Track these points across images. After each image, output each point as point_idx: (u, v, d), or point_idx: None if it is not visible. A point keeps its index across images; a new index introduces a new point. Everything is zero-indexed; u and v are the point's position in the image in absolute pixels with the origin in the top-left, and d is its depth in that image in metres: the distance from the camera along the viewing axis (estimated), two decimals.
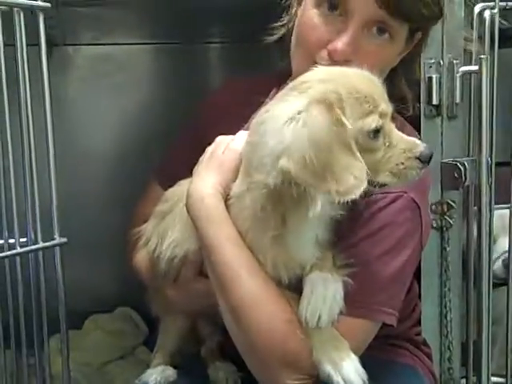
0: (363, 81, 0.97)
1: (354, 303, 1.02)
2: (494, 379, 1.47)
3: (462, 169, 1.33)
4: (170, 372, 1.24)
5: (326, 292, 1.00)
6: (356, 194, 0.90)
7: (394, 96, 1.04)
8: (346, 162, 0.90)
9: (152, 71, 2.13)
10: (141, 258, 1.25)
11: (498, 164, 1.40)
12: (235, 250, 1.01)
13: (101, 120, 2.02)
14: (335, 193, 0.89)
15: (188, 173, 1.13)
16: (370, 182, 0.94)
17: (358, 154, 0.91)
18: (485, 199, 1.35)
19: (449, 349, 1.38)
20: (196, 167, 1.10)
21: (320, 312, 0.98)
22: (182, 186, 1.14)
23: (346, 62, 1.04)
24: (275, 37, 1.22)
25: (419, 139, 1.03)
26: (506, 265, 1.52)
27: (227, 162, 1.05)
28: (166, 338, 1.29)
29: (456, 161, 1.35)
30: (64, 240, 1.28)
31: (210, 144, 1.12)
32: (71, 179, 1.85)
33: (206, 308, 1.14)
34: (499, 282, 1.49)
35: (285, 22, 1.21)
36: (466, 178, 1.34)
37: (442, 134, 1.37)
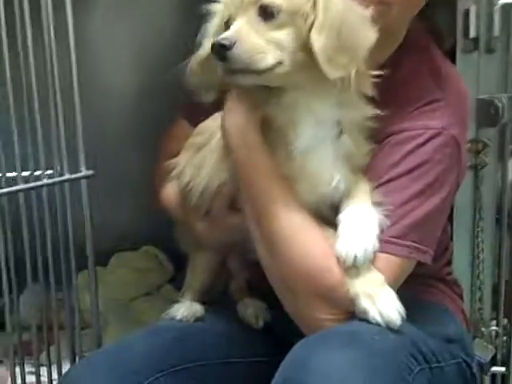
0: None
1: (390, 240, 1.00)
2: None
3: (499, 105, 1.29)
4: (198, 307, 1.24)
5: (363, 227, 0.98)
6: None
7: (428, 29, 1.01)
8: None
9: (173, 7, 2.07)
10: (171, 191, 1.23)
11: None
12: (273, 181, 1.00)
13: (125, 54, 1.98)
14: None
15: (215, 108, 1.10)
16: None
17: None
18: None
19: (480, 289, 1.37)
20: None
21: (356, 251, 0.96)
22: (216, 120, 1.12)
23: None
24: None
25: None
26: None
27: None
28: (195, 275, 1.29)
29: (493, 97, 1.31)
30: (90, 172, 1.28)
31: None
32: (97, 113, 1.81)
33: (236, 243, 1.13)
34: None
35: None
36: (502, 115, 1.29)
37: (478, 68, 1.33)
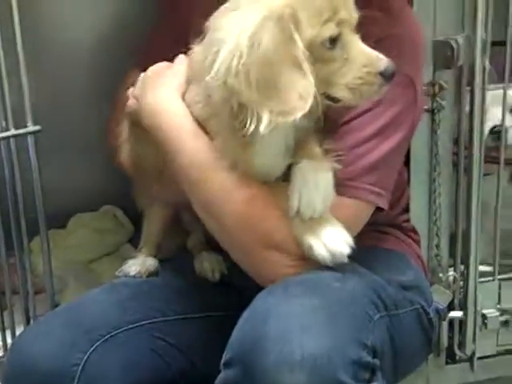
0: None
1: (344, 183, 0.99)
2: (481, 268, 1.47)
3: (455, 47, 1.27)
4: (151, 262, 1.22)
5: (318, 182, 0.96)
6: (297, 115, 0.87)
7: None
8: (293, 80, 0.86)
9: None
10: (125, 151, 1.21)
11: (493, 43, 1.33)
12: (198, 145, 0.99)
13: (75, 11, 1.90)
14: (277, 113, 0.86)
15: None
16: (326, 96, 0.91)
17: (309, 72, 0.87)
18: (479, 79, 1.29)
19: (437, 235, 1.37)
20: (138, 86, 1.08)
21: (314, 203, 0.94)
22: None
23: None
24: None
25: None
26: (493, 132, 1.47)
27: (178, 72, 1.03)
28: (150, 230, 1.27)
29: (449, 38, 1.28)
30: (37, 128, 1.23)
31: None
32: (46, 66, 1.75)
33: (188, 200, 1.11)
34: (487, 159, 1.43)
35: None
36: (459, 57, 1.27)
37: (434, 8, 1.29)
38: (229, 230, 1.00)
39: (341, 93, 0.92)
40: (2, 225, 1.27)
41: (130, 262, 1.23)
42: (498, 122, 1.44)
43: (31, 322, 1.33)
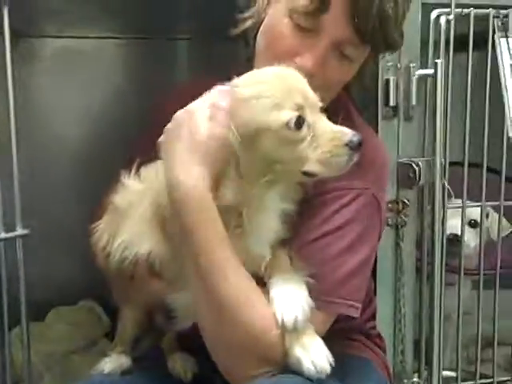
0: (280, 78, 1.02)
1: (319, 298, 1.04)
2: (445, 373, 1.53)
3: (417, 168, 1.38)
4: (124, 360, 1.26)
5: (295, 295, 1.02)
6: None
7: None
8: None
9: (118, 65, 2.13)
10: (98, 252, 1.26)
11: (453, 164, 1.45)
12: (224, 250, 1.01)
13: (66, 112, 2.01)
14: None
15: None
16: (303, 172, 1.00)
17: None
18: (438, 197, 1.40)
19: (402, 342, 1.43)
20: (165, 147, 1.05)
21: (296, 315, 1.00)
22: (137, 184, 1.14)
23: (310, 77, 1.06)
24: (240, 29, 1.21)
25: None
26: (449, 239, 1.55)
27: (213, 150, 1.01)
28: (124, 328, 1.30)
29: (411, 161, 1.40)
30: (26, 232, 1.29)
31: None
32: (36, 171, 1.84)
33: (160, 303, 1.15)
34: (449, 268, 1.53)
35: (251, 14, 1.20)
36: (419, 178, 1.39)
37: (398, 134, 1.43)
38: (230, 333, 1.01)
39: (314, 167, 1.00)
40: None
41: (105, 359, 1.27)
42: (454, 231, 1.54)
43: None
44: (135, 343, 1.32)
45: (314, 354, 0.99)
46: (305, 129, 1.00)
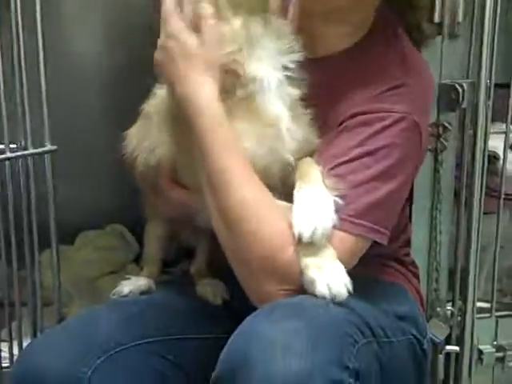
0: None
1: (346, 218, 1.02)
2: (478, 304, 1.50)
3: (460, 90, 1.32)
4: (143, 281, 1.26)
5: (319, 206, 0.99)
6: None
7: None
8: None
9: None
10: (128, 156, 1.23)
11: (496, 85, 1.38)
12: (233, 157, 1.00)
13: (97, 27, 1.96)
14: None
15: None
16: None
17: None
18: (481, 122, 1.34)
19: (436, 270, 1.40)
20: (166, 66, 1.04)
21: (315, 226, 0.97)
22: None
23: None
24: None
25: None
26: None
27: (214, 59, 1.01)
28: (150, 248, 1.30)
29: (454, 82, 1.33)
30: (54, 147, 1.28)
31: None
32: (64, 88, 1.80)
33: (186, 216, 1.14)
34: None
35: None
36: (463, 100, 1.32)
37: (441, 53, 1.35)
38: (242, 246, 1.00)
39: None
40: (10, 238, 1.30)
41: (123, 282, 1.27)
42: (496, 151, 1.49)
43: (38, 334, 1.36)
44: (163, 267, 1.32)
45: (329, 277, 0.96)
46: None
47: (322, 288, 0.96)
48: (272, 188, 1.03)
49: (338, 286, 0.96)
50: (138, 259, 1.95)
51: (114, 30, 1.94)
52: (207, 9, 1.00)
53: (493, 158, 1.48)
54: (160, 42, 1.04)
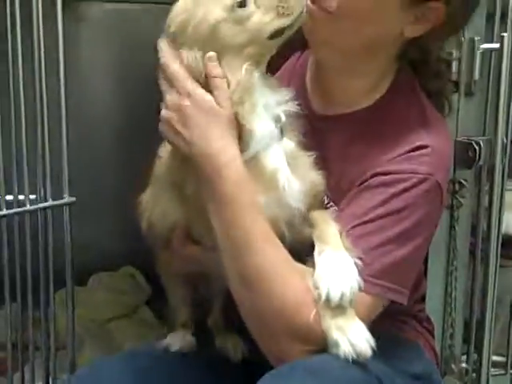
0: None
1: (367, 279, 1.01)
2: (493, 358, 1.49)
3: (477, 148, 1.32)
4: (190, 339, 1.24)
5: (344, 269, 0.99)
6: None
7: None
8: None
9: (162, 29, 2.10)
10: (144, 223, 1.24)
11: None
12: (255, 217, 1.00)
13: (114, 79, 2.00)
14: None
15: None
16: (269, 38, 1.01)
17: None
18: (497, 179, 1.35)
19: (451, 326, 1.39)
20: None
21: (343, 290, 0.96)
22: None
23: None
24: None
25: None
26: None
27: (232, 116, 1.01)
28: (179, 308, 1.29)
29: (471, 139, 1.34)
30: (73, 199, 1.30)
31: None
32: (82, 140, 1.83)
33: (200, 271, 1.15)
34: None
35: None
36: (479, 158, 1.33)
37: (458, 111, 1.36)
38: (263, 307, 0.99)
39: (275, 23, 1.02)
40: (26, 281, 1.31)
41: (172, 335, 1.25)
42: (508, 230, 1.48)
43: (50, 379, 1.36)
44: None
45: (352, 337, 0.96)
46: (250, 4, 1.01)
47: (346, 348, 0.95)
48: (279, 236, 1.03)
49: (362, 345, 0.96)
50: (149, 302, 1.96)
51: (135, 82, 1.98)
52: (216, 67, 1.01)
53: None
54: (169, 101, 1.04)
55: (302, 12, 1.02)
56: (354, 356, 0.95)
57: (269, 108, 1.04)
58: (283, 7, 1.01)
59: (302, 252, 1.04)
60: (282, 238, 1.02)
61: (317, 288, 0.97)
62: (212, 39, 1.00)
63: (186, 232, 1.11)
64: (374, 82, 1.16)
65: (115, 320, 1.89)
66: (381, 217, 1.05)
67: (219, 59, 1.01)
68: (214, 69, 1.01)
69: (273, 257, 1.00)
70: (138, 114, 1.93)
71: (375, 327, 1.02)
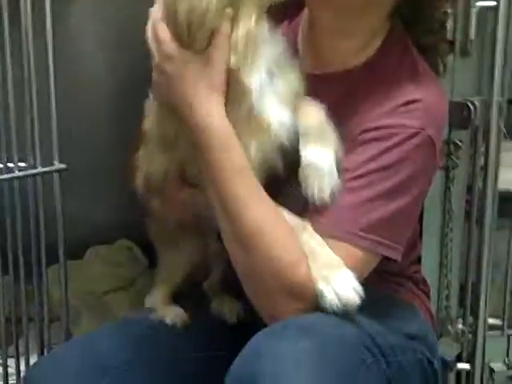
0: None
1: (359, 234, 1.01)
2: (490, 320, 1.49)
3: (472, 108, 1.31)
4: (183, 313, 1.24)
5: (326, 166, 1.03)
6: None
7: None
8: None
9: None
10: (139, 181, 1.23)
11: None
12: (246, 180, 1.00)
13: (104, 47, 1.97)
14: None
15: None
16: None
17: None
18: (493, 140, 1.33)
19: (447, 288, 1.39)
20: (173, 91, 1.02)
21: (323, 188, 1.00)
22: None
23: None
24: None
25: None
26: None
27: (219, 81, 1.00)
28: (172, 271, 1.29)
29: (466, 100, 1.33)
30: (63, 166, 1.29)
31: None
32: (72, 106, 1.81)
33: (196, 217, 1.14)
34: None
35: None
36: (475, 118, 1.31)
37: (453, 71, 1.34)
38: (256, 264, 1.00)
39: None
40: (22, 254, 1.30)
41: (164, 309, 1.25)
42: (508, 187, 1.47)
43: (45, 350, 1.35)
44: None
45: (337, 285, 0.96)
46: None
47: (331, 298, 0.96)
48: (278, 177, 1.05)
49: (347, 293, 0.96)
50: (145, 274, 1.95)
51: (125, 51, 1.96)
52: (225, 25, 0.98)
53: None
54: (155, 64, 1.04)
55: None
56: (340, 305, 0.95)
57: (268, 61, 1.02)
58: None
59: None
60: (276, 171, 1.04)
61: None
62: None
63: (181, 175, 1.11)
64: (365, 40, 1.14)
65: (112, 292, 1.88)
66: (372, 171, 1.04)
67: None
68: (224, 27, 0.98)
69: (265, 217, 1.00)
70: (131, 82, 1.91)
71: (371, 287, 1.01)
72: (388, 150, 1.04)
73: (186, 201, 1.14)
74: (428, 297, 1.32)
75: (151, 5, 1.02)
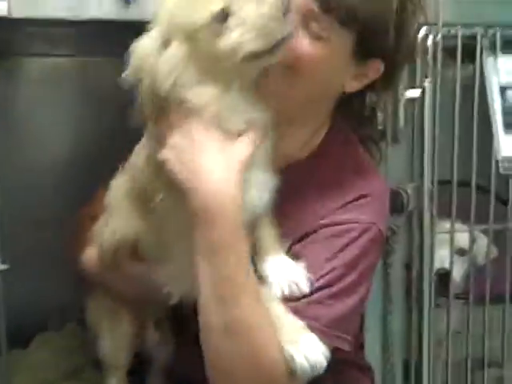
0: None
1: (322, 330, 1.03)
2: None
3: (405, 195, 1.36)
4: None
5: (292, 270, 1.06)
6: None
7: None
8: None
9: (104, 82, 2.10)
10: (90, 253, 1.25)
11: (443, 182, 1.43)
12: (248, 271, 1.00)
13: (49, 136, 1.98)
14: None
15: None
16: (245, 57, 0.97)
17: None
18: (426, 224, 1.38)
19: (391, 370, 1.41)
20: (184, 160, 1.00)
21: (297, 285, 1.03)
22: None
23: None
24: None
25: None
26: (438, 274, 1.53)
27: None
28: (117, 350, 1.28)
29: (399, 187, 1.38)
30: (6, 267, 1.27)
31: None
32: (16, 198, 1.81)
33: (147, 294, 1.15)
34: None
35: None
36: (408, 204, 1.36)
37: (386, 158, 1.40)
38: (242, 357, 0.99)
39: (253, 45, 0.98)
40: None
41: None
42: (443, 265, 1.51)
43: None
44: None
45: (306, 349, 0.98)
46: (231, 20, 0.97)
47: (300, 361, 0.98)
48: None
49: (316, 356, 0.98)
50: (95, 360, 1.92)
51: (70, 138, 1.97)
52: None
53: (444, 275, 1.50)
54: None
55: (283, 39, 0.98)
56: (309, 368, 0.98)
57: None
58: (265, 28, 0.96)
59: None
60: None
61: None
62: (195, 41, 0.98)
63: (130, 250, 1.13)
64: (311, 132, 1.18)
65: (61, 381, 1.84)
66: (334, 268, 1.07)
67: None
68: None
69: (258, 312, 1.00)
70: (74, 170, 1.92)
71: (324, 377, 1.03)
72: (347, 246, 1.08)
73: (137, 275, 1.14)
74: (373, 382, 1.35)
75: None
